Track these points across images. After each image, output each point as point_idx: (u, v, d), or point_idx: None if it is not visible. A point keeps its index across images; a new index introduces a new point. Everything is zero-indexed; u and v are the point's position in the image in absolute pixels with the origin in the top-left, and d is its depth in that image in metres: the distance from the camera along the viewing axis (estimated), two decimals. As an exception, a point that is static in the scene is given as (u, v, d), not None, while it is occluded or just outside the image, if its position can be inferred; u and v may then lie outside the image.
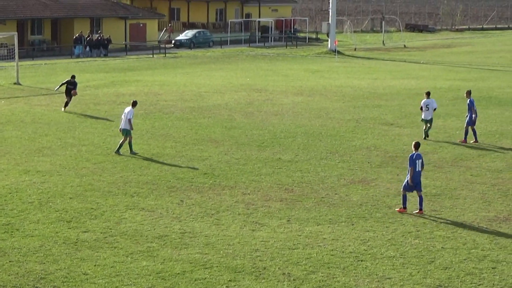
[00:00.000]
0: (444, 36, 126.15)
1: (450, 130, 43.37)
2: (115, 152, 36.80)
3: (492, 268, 22.80)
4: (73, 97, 47.76)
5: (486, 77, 69.15)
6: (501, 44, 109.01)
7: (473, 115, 39.89)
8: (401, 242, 25.05)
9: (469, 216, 27.69)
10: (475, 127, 40.20)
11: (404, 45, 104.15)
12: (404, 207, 28.15)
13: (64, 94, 48.02)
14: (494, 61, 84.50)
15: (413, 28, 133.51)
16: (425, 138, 40.77)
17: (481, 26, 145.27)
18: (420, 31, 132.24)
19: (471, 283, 21.61)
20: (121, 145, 36.89)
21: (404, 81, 66.23)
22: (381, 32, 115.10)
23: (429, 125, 41.25)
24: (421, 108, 40.72)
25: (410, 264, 23.05)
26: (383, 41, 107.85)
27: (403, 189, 28.23)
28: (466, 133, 40.17)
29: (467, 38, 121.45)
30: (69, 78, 48.36)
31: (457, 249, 24.38)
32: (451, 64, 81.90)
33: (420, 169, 27.98)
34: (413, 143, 28.67)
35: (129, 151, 36.84)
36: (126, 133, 36.68)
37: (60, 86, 48.70)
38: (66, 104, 47.75)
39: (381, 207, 28.89)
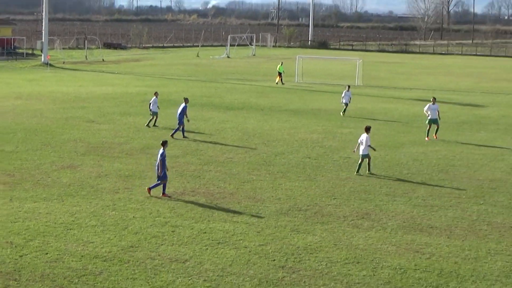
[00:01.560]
0: (134, 52, 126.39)
1: (139, 126, 43.68)
2: None
3: (172, 231, 23.24)
4: None
5: (166, 84, 70.04)
6: (178, 59, 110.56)
7: (181, 117, 40.24)
8: (102, 213, 25.04)
9: (154, 192, 27.94)
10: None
11: (103, 59, 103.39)
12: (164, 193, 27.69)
13: None
14: (172, 72, 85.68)
15: (109, 46, 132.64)
16: (148, 126, 43.33)
17: (162, 45, 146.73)
18: (115, 48, 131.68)
19: (155, 243, 21.96)
20: None
21: (102, 87, 65.87)
22: (84, 49, 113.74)
23: (155, 117, 43.72)
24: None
25: (108, 231, 23.09)
26: (86, 56, 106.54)
27: (165, 179, 27.68)
28: (182, 130, 40.53)
29: (152, 54, 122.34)
30: None
31: (145, 218, 24.67)
32: (139, 74, 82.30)
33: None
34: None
35: None
36: None
37: None
38: None
39: (85, 187, 28.69)
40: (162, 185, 27.72)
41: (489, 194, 29.42)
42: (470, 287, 19.21)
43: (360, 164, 32.43)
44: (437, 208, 26.94)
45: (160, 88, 64.03)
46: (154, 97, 44.05)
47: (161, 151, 27.58)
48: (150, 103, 43.92)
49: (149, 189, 27.76)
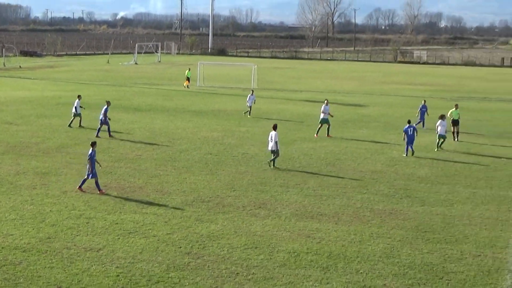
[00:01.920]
0: (49, 59, 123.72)
1: (54, 126, 42.76)
2: None
3: (86, 223, 22.82)
4: None
5: (80, 88, 68.65)
6: (90, 65, 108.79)
7: (104, 118, 39.60)
8: (20, 208, 24.39)
9: (69, 187, 27.49)
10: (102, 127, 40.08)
11: (20, 66, 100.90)
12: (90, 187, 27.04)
13: None
14: (85, 77, 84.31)
15: (26, 53, 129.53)
16: (81, 126, 42.65)
17: (75, 52, 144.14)
18: (31, 56, 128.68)
19: (71, 234, 21.52)
20: None
21: (19, 92, 64.26)
22: (2, 56, 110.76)
23: (78, 118, 42.96)
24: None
25: (27, 224, 22.50)
26: (3, 63, 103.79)
27: (95, 176, 26.82)
28: (108, 129, 39.93)
29: (66, 61, 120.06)
30: None
31: (61, 211, 24.15)
32: (54, 79, 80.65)
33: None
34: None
35: None
36: None
37: None
38: None
39: (4, 183, 27.88)
40: (85, 179, 27.10)
41: (371, 184, 29.96)
42: (356, 267, 19.49)
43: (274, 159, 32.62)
44: (326, 197, 27.28)
45: (75, 92, 62.78)
46: (77, 99, 43.30)
47: (89, 151, 26.98)
48: (75, 106, 43.12)
49: (99, 190, 26.90)
